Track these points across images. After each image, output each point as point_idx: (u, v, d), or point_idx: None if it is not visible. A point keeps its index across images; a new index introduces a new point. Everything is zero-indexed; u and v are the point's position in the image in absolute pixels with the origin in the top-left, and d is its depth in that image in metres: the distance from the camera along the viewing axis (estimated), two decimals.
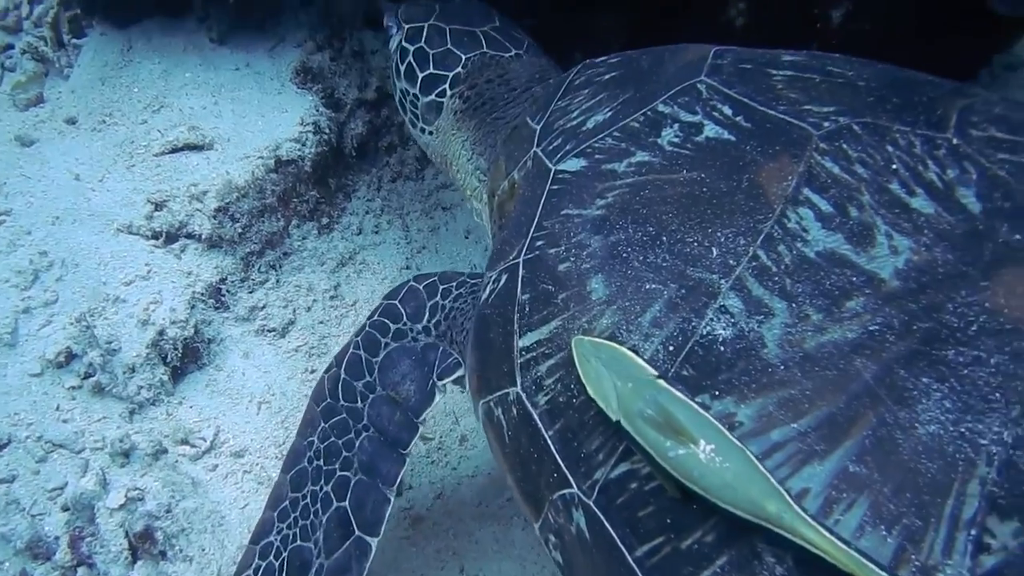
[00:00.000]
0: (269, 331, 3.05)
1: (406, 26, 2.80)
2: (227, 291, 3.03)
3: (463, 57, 2.72)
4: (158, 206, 3.03)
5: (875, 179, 1.67)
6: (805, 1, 2.73)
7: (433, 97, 2.76)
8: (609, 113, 2.09)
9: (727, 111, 1.89)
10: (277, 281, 3.13)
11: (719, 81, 1.98)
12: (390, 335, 2.42)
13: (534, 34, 3.36)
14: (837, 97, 1.86)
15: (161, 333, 2.84)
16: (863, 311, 1.54)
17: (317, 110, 3.28)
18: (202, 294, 2.97)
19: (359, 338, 2.43)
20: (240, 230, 3.03)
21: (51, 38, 3.46)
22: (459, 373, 2.34)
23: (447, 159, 2.85)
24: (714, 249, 1.68)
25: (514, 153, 2.33)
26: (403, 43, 2.80)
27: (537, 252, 1.92)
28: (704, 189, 1.77)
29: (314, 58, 3.41)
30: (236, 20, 3.43)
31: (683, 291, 1.67)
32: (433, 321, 2.43)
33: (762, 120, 1.84)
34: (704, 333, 1.61)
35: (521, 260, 1.94)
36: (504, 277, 1.97)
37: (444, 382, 2.34)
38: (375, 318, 2.45)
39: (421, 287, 2.47)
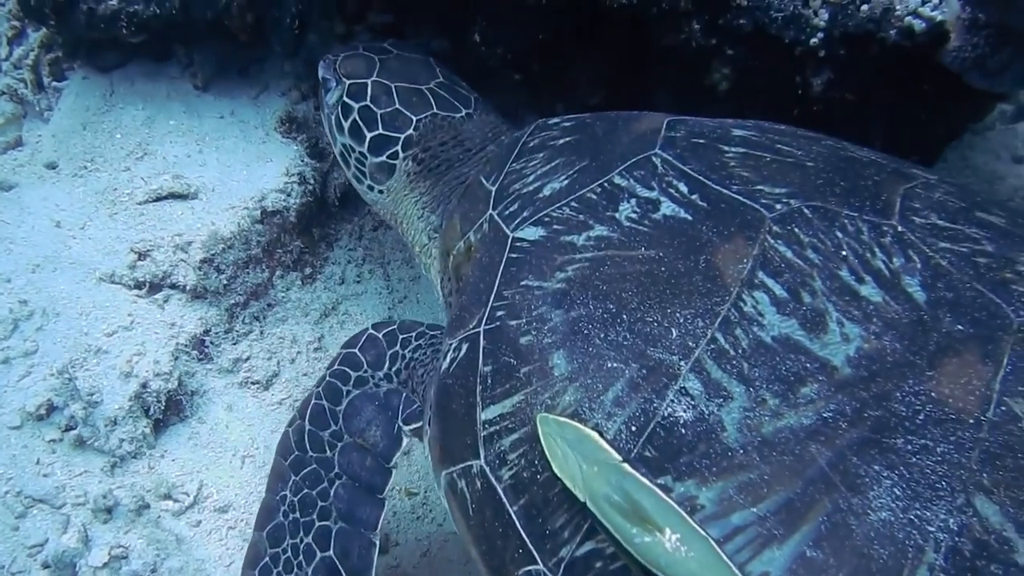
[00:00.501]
0: (253, 383, 3.04)
1: (347, 81, 2.76)
2: (211, 342, 3.02)
3: (414, 119, 2.70)
4: (142, 255, 3.00)
5: (826, 265, 1.75)
6: (788, 68, 2.78)
7: (384, 159, 2.73)
8: (565, 181, 2.14)
9: (683, 188, 1.96)
10: (261, 332, 3.12)
11: (673, 155, 2.05)
12: (351, 383, 2.43)
13: (529, 91, 3.41)
14: (788, 178, 1.94)
15: (144, 386, 2.82)
16: (817, 397, 1.60)
17: (302, 160, 3.28)
18: (186, 345, 2.95)
19: (320, 388, 2.43)
20: (225, 281, 3.02)
21: (31, 80, 3.42)
22: (420, 423, 2.35)
23: (396, 216, 2.86)
24: (673, 330, 1.74)
25: (469, 213, 2.35)
26: (345, 99, 2.75)
27: (498, 323, 1.95)
28: (663, 268, 1.83)
29: (299, 107, 3.42)
30: (220, 66, 3.42)
31: (644, 371, 1.72)
32: (394, 369, 2.45)
33: (717, 199, 1.91)
34: (665, 415, 1.66)
35: (482, 330, 1.97)
36: (465, 346, 2.00)
37: (410, 427, 2.36)
38: (335, 367, 2.46)
39: (380, 335, 2.49)
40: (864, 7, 2.54)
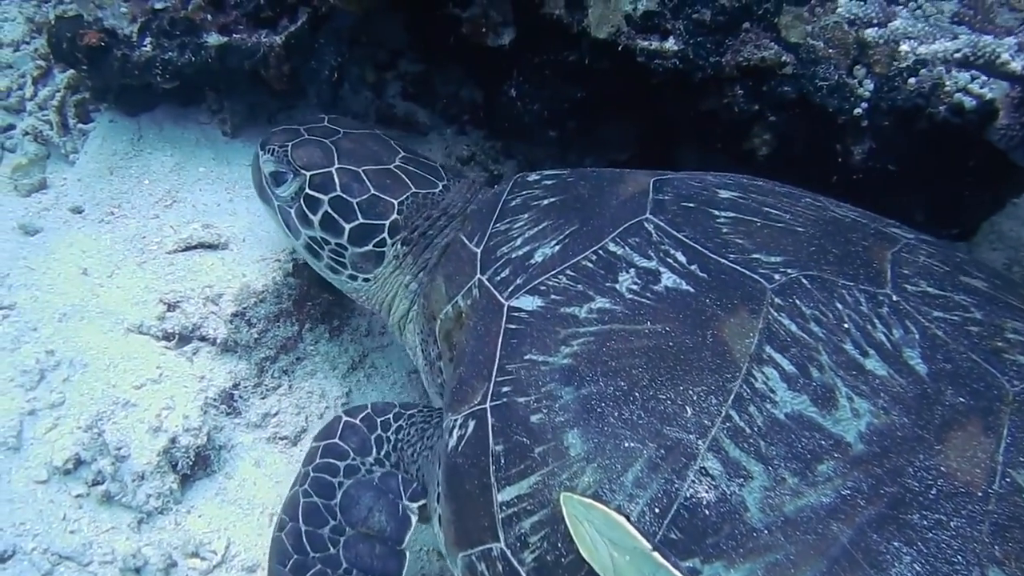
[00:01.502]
0: (281, 439, 2.99)
1: (307, 173, 2.61)
2: (239, 396, 2.98)
3: (394, 203, 2.58)
4: (171, 307, 2.97)
5: (830, 338, 1.78)
6: (829, 136, 2.80)
7: (370, 248, 2.61)
8: (557, 247, 2.14)
9: (681, 258, 1.97)
10: (290, 387, 3.08)
11: (665, 221, 2.07)
12: (341, 473, 2.35)
13: (560, 145, 3.41)
14: (781, 245, 1.98)
15: (173, 441, 2.77)
16: (834, 475, 1.63)
17: None
18: (214, 399, 2.91)
19: (306, 486, 2.34)
20: (256, 335, 2.98)
21: (56, 122, 3.38)
22: (425, 500, 2.31)
23: (380, 298, 2.76)
24: (688, 408, 1.75)
25: (455, 276, 2.34)
26: (309, 191, 2.60)
27: (505, 399, 1.94)
28: (670, 343, 1.84)
29: None
30: (249, 113, 3.40)
31: (662, 451, 1.72)
32: (382, 453, 2.40)
33: (717, 270, 1.93)
34: (688, 495, 1.68)
35: (488, 406, 1.95)
36: (472, 423, 1.98)
37: (416, 505, 2.30)
38: (318, 461, 2.37)
39: (358, 421, 2.44)
40: (911, 80, 2.56)
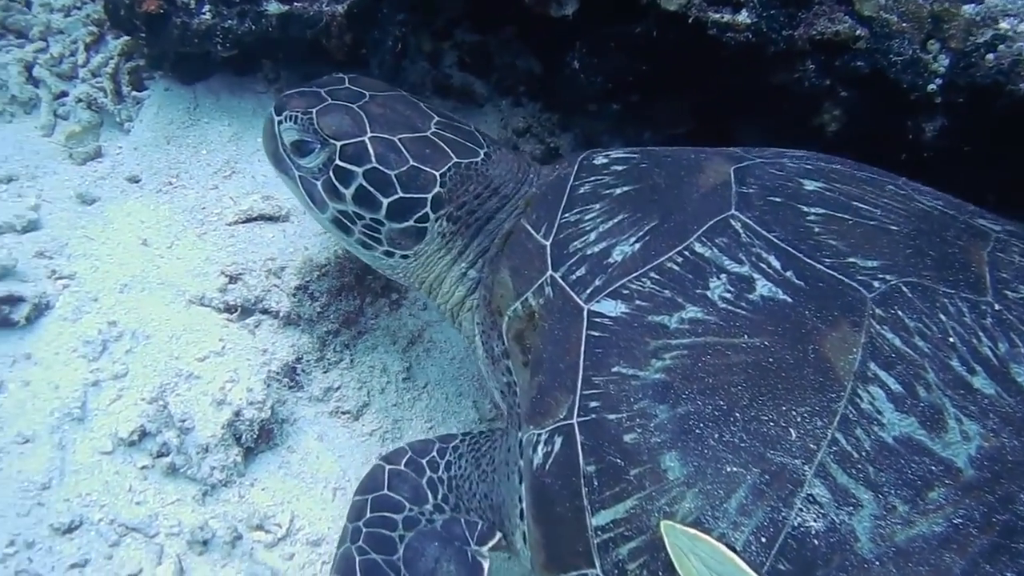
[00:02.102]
0: (343, 413, 2.98)
1: (337, 144, 2.37)
2: (302, 370, 2.96)
3: (436, 174, 2.37)
4: (232, 279, 2.95)
5: (936, 354, 1.71)
6: (900, 113, 2.76)
7: (411, 223, 2.41)
8: (637, 245, 2.03)
9: (775, 264, 1.88)
10: (351, 361, 3.06)
11: (753, 219, 1.97)
12: (400, 526, 2.23)
13: (617, 118, 3.37)
14: (877, 247, 1.90)
15: (237, 414, 2.76)
16: (945, 503, 1.58)
17: None
18: (277, 373, 2.89)
19: (360, 543, 2.20)
20: (319, 309, 2.96)
21: (110, 89, 3.35)
22: (496, 539, 2.24)
23: (423, 278, 2.60)
24: (792, 430, 1.68)
25: (522, 270, 2.22)
26: (340, 162, 2.37)
27: (594, 415, 1.85)
28: (770, 359, 1.75)
29: None
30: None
31: (767, 476, 1.66)
32: (439, 497, 2.31)
33: (813, 277, 1.84)
34: (795, 524, 1.61)
35: (576, 422, 1.87)
36: (559, 440, 1.90)
37: (486, 548, 2.22)
38: (369, 515, 2.24)
39: (403, 467, 2.33)
40: (989, 56, 2.51)
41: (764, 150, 2.33)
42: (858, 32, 2.64)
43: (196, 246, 3.04)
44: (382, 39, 3.09)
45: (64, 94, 3.43)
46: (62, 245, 3.02)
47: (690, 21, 2.75)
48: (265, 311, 2.94)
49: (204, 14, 2.96)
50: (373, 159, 2.35)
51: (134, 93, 3.39)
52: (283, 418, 2.90)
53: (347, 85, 2.53)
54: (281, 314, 2.93)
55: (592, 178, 2.29)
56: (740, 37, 2.74)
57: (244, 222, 3.07)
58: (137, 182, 3.22)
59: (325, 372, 3.01)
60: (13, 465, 2.64)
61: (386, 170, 2.35)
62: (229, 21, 2.96)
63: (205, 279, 2.97)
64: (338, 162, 2.37)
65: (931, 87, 2.61)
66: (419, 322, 3.25)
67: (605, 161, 2.36)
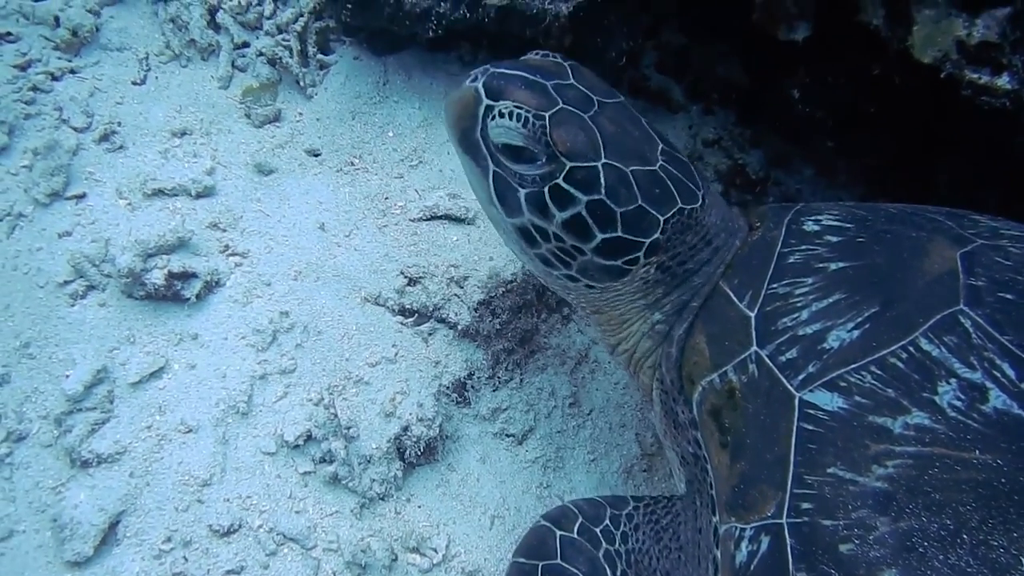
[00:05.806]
0: (508, 435, 2.85)
1: (568, 163, 2.03)
2: (472, 387, 2.83)
3: (661, 220, 2.08)
4: (412, 281, 2.80)
5: None
6: None
7: (618, 263, 2.13)
8: (856, 332, 1.87)
9: (1010, 372, 1.73)
10: (520, 382, 2.91)
11: (984, 318, 1.81)
12: None
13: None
14: None
15: (405, 429, 2.64)
16: None
17: None
18: (447, 388, 2.77)
19: None
20: (499, 326, 2.81)
21: (297, 50, 3.15)
22: None
23: (604, 311, 2.34)
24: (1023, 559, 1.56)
25: (722, 341, 2.05)
26: (564, 184, 2.05)
27: (807, 518, 1.73)
28: (1003, 480, 1.63)
29: None
30: None
31: None
32: (619, 574, 2.15)
33: None
34: None
35: (786, 523, 1.75)
36: (766, 540, 1.77)
37: None
38: None
39: (575, 535, 2.16)
40: None
41: (977, 221, 2.13)
42: None
43: (376, 239, 2.88)
44: (605, 48, 2.86)
45: (245, 45, 3.24)
46: (236, 218, 2.88)
47: (942, 75, 2.52)
48: (442, 320, 2.80)
49: None
50: (603, 190, 2.04)
51: (320, 56, 3.19)
52: (447, 434, 2.78)
53: (572, 81, 2.15)
54: (460, 327, 2.78)
55: (803, 247, 2.10)
56: (996, 103, 2.50)
57: (428, 219, 2.91)
58: (317, 156, 3.05)
59: (495, 391, 2.87)
60: (175, 455, 2.56)
61: (613, 206, 2.05)
62: (444, 5, 2.75)
63: (383, 277, 2.83)
64: (561, 183, 2.05)
65: None
66: (586, 339, 3.09)
67: (817, 229, 2.15)
